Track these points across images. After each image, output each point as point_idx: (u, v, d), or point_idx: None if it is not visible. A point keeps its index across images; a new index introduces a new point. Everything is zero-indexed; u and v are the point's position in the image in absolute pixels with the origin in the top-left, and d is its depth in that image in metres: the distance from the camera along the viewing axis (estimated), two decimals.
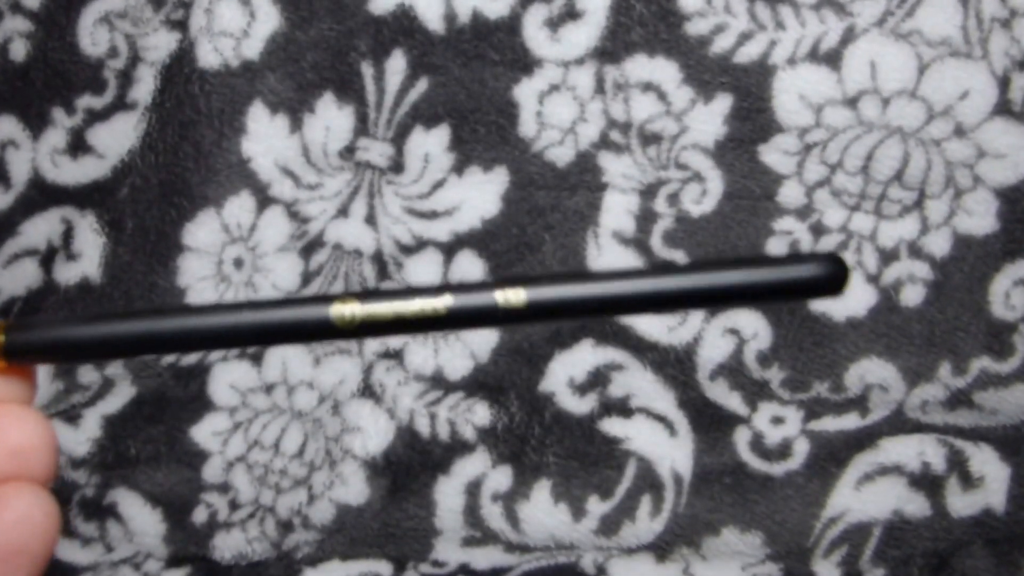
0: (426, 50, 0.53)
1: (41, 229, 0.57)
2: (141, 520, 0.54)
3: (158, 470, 0.55)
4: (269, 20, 0.54)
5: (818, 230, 0.51)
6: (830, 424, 0.52)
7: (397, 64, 0.53)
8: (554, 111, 0.52)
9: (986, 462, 0.51)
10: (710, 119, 0.52)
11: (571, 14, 0.52)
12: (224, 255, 0.55)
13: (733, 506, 0.52)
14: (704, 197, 0.52)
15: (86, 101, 0.57)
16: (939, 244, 0.51)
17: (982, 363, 0.51)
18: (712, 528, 0.52)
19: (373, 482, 0.54)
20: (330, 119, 0.54)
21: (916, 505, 0.51)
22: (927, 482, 0.51)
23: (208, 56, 0.54)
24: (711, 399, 0.53)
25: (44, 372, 0.56)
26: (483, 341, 0.54)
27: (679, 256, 0.52)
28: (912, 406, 0.52)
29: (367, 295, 0.27)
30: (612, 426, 0.53)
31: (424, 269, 0.54)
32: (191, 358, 0.56)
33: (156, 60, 0.55)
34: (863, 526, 0.52)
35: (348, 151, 0.54)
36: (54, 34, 0.57)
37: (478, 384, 0.54)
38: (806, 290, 0.27)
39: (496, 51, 0.53)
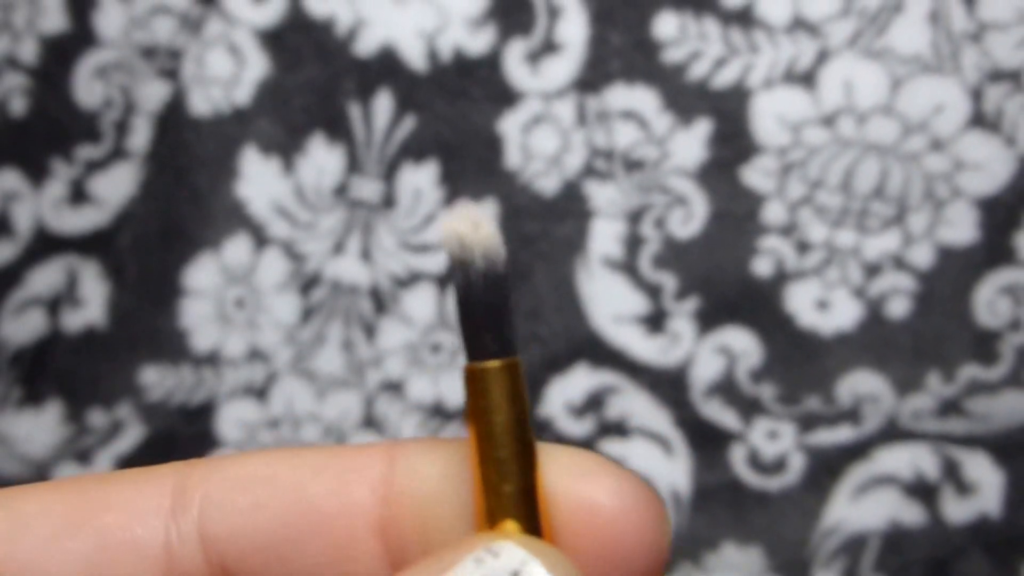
0: (411, 89, 0.54)
1: (46, 278, 0.59)
2: None
3: None
4: (257, 67, 0.55)
5: (802, 247, 0.52)
6: (824, 437, 0.53)
7: (383, 104, 0.54)
8: (538, 143, 0.54)
9: (980, 468, 0.52)
10: (691, 143, 0.53)
11: (550, 48, 0.53)
12: (225, 296, 0.56)
13: (732, 521, 0.53)
14: (689, 220, 0.53)
15: (85, 152, 0.58)
16: (922, 256, 0.52)
17: (970, 371, 0.52)
18: (711, 544, 0.53)
19: None
20: (321, 159, 0.55)
21: (912, 514, 0.52)
22: (922, 490, 0.52)
23: (200, 104, 0.55)
24: (706, 417, 0.53)
25: (53, 416, 0.57)
26: None
27: (668, 278, 0.53)
28: (904, 416, 0.52)
29: None
30: (611, 447, 0.54)
31: (420, 302, 0.55)
32: (199, 396, 0.57)
33: (150, 110, 0.57)
34: (860, 536, 0.52)
35: (341, 189, 0.55)
36: (51, 88, 0.59)
37: None
38: None
39: (479, 87, 0.54)
